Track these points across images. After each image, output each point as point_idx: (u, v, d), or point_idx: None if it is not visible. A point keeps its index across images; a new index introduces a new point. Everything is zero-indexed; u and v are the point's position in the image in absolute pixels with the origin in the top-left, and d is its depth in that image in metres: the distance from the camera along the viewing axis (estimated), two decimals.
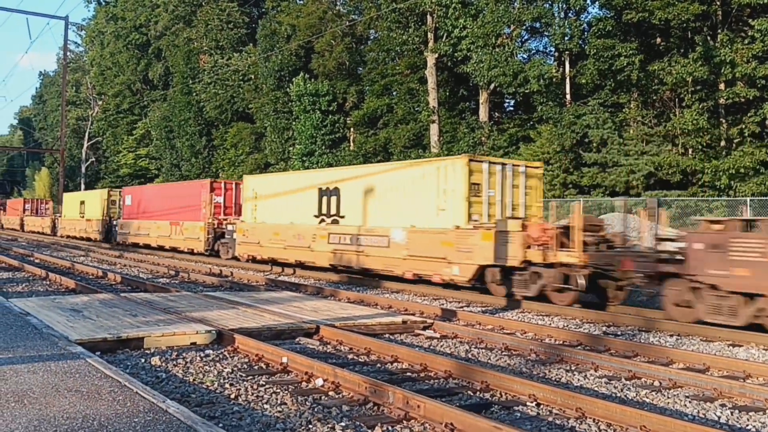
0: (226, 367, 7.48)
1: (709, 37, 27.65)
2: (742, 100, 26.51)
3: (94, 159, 73.78)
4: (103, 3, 75.82)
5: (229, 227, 25.09)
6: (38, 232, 50.52)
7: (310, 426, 5.57)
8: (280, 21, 46.73)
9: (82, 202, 41.43)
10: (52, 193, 69.38)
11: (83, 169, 72.88)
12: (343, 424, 5.61)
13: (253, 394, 6.48)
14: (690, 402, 6.74)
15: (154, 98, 64.56)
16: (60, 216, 45.49)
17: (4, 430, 4.50)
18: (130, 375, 6.49)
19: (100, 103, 71.82)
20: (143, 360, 7.74)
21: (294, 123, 43.15)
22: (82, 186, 70.45)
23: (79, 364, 6.55)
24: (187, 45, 56.30)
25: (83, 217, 40.36)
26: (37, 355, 6.86)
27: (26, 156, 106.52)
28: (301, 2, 47.75)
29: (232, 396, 6.42)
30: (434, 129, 35.47)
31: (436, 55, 35.05)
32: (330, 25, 41.79)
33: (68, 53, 66.95)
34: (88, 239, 38.75)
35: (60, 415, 4.87)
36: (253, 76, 49.49)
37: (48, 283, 16.39)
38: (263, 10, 53.82)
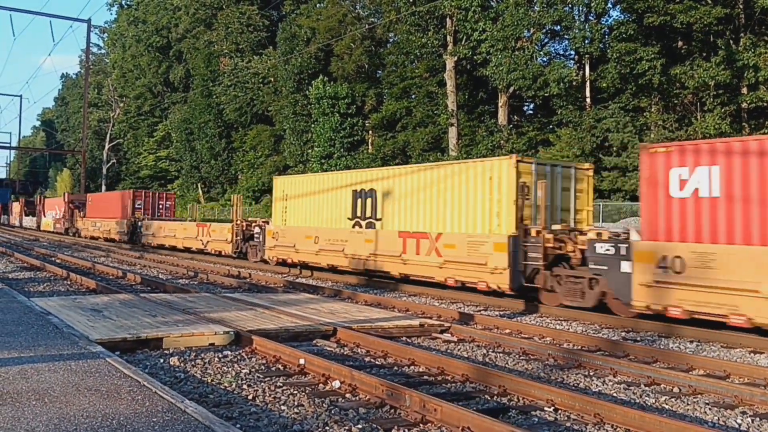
0: (243, 368, 7.51)
1: (731, 41, 27.40)
2: (765, 104, 26.23)
3: (115, 160, 74.55)
4: (125, 6, 76.70)
5: None
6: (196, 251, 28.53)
7: (327, 428, 5.58)
8: (299, 24, 46.96)
9: (368, 193, 18.45)
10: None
11: (104, 171, 73.66)
12: (359, 426, 5.61)
13: (270, 395, 6.50)
14: (710, 409, 6.66)
15: (175, 101, 65.14)
16: (263, 224, 24.19)
17: (26, 428, 4.55)
18: (149, 375, 6.54)
19: (121, 105, 72.59)
20: (162, 360, 7.80)
21: (313, 125, 43.34)
22: (103, 188, 71.04)
23: (99, 363, 6.61)
24: (208, 48, 56.74)
25: (365, 223, 18.31)
26: (58, 354, 6.93)
27: (48, 157, 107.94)
28: (321, 5, 47.95)
29: (250, 397, 6.44)
30: (453, 132, 35.44)
31: (456, 59, 35.04)
32: (349, 29, 41.91)
33: (90, 56, 67.76)
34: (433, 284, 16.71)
35: (80, 413, 4.91)
36: (272, 79, 49.77)
37: (69, 283, 16.56)
38: (283, 13, 54.11)
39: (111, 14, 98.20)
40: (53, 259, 24.67)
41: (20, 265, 21.21)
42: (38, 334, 8.01)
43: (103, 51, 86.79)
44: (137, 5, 73.39)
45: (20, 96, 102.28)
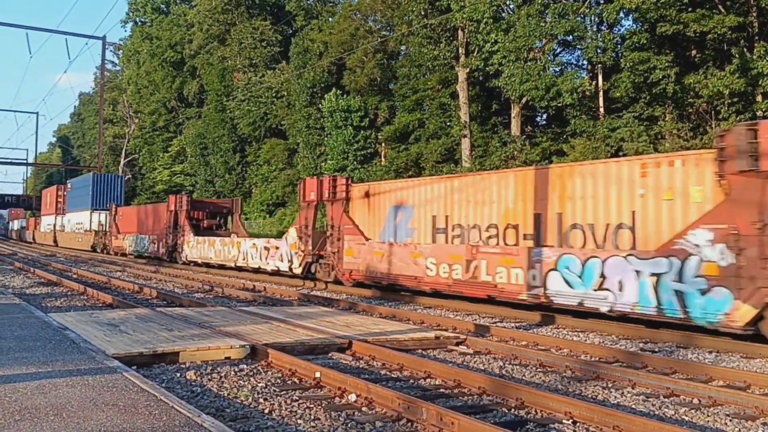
0: (259, 382, 7.51)
1: (745, 49, 27.24)
2: None
3: (130, 176, 75.09)
4: (139, 23, 77.47)
5: None
6: None
7: None
8: (312, 38, 47.25)
9: None
10: None
11: None
12: None
13: (286, 409, 6.49)
14: (731, 420, 6.58)
15: (189, 116, 65.62)
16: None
17: None
18: (165, 389, 6.55)
19: (136, 120, 73.21)
20: (178, 374, 7.81)
21: (326, 139, 43.49)
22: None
23: (116, 378, 6.63)
24: (221, 63, 57.16)
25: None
26: (75, 369, 6.96)
27: (64, 173, 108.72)
28: (333, 20, 48.23)
29: (266, 411, 6.44)
30: (466, 143, 35.43)
31: (468, 70, 35.08)
32: (361, 42, 42.11)
33: (105, 72, 68.48)
34: None
35: (97, 428, 4.92)
36: (285, 93, 50.03)
37: (86, 297, 16.66)
38: (295, 28, 54.48)
39: (125, 31, 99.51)
40: (70, 274, 24.84)
41: (37, 281, 21.37)
42: (55, 349, 8.05)
43: (117, 68, 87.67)
44: (151, 22, 74.13)
45: (37, 113, 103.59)
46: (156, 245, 33.97)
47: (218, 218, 33.66)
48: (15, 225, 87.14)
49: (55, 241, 56.69)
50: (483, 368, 8.84)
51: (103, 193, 48.43)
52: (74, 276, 23.87)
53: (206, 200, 37.14)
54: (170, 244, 32.18)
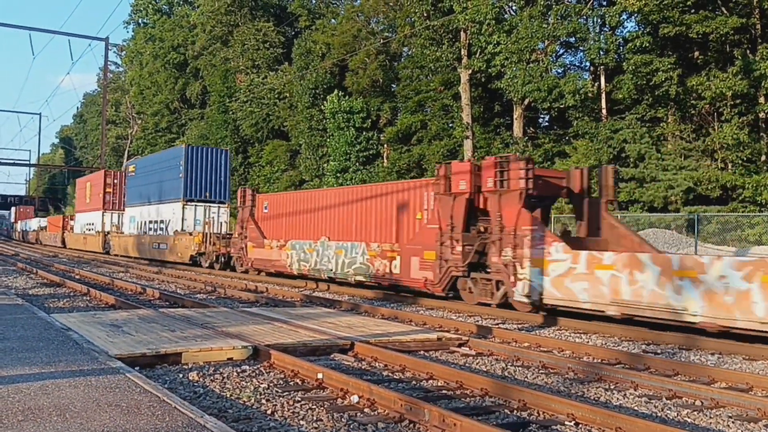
0: (262, 383, 7.51)
1: (748, 51, 27.24)
2: None
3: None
4: (142, 24, 77.57)
5: None
6: None
7: None
8: (314, 40, 47.32)
9: None
10: None
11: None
12: None
13: (289, 410, 6.50)
14: (733, 422, 6.58)
15: (192, 117, 65.70)
16: None
17: None
18: (168, 390, 6.55)
19: (139, 122, 73.28)
20: (181, 375, 7.82)
21: (328, 140, 43.53)
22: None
23: (119, 378, 6.64)
24: (224, 64, 57.24)
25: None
26: (78, 370, 6.97)
27: (67, 174, 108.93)
28: (335, 21, 48.29)
29: (269, 412, 6.44)
30: (468, 145, 35.44)
31: (470, 71, 35.09)
32: (364, 43, 42.16)
33: (108, 73, 68.52)
34: None
35: (100, 429, 4.93)
36: (288, 94, 50.08)
37: (89, 298, 16.67)
38: (298, 29, 54.53)
39: (128, 32, 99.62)
40: (72, 275, 24.86)
41: (40, 282, 21.40)
42: (58, 350, 8.06)
43: (120, 69, 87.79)
44: (154, 23, 74.24)
45: (39, 114, 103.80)
46: (392, 265, 17.95)
47: (539, 207, 16.72)
48: (22, 225, 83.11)
49: (105, 247, 41.38)
50: (485, 370, 8.84)
51: (200, 176, 31.56)
52: (77, 277, 23.89)
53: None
54: (454, 263, 15.60)
